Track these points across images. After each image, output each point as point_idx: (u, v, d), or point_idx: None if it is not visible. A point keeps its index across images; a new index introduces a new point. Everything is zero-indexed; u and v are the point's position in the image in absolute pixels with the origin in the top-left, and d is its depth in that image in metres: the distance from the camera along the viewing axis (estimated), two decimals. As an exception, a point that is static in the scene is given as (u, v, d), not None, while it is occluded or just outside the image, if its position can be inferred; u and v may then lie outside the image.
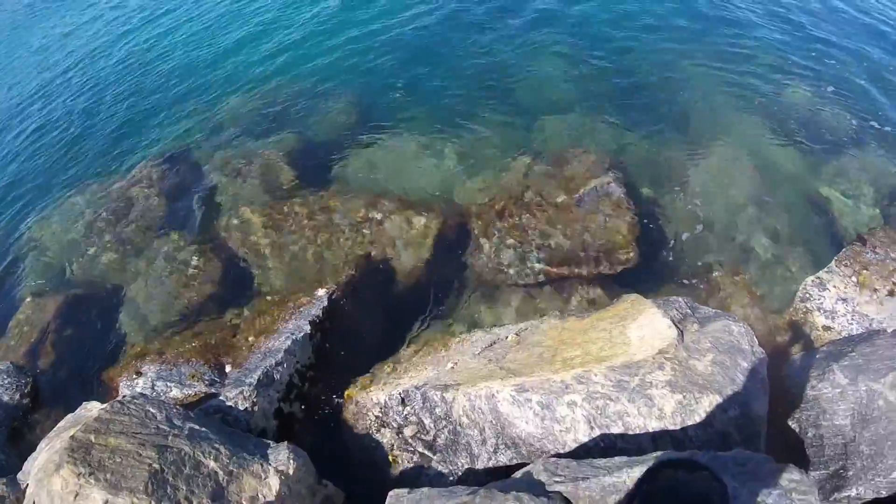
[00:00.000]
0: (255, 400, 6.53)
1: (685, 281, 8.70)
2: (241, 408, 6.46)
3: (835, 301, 7.78)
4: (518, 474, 5.03)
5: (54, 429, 6.04)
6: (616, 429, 5.46)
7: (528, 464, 5.26)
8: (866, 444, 5.76)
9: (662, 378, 5.56)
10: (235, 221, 9.97)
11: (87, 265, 10.13)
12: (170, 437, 5.27)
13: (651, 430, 5.40)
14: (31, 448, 6.04)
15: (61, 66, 17.53)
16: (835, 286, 7.89)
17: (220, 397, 6.56)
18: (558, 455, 5.47)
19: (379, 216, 9.47)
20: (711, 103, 11.90)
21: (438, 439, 6.22)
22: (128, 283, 9.60)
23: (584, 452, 5.47)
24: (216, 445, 5.35)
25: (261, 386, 6.66)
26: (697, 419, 5.38)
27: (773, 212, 9.55)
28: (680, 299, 6.69)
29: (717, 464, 4.58)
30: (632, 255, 8.72)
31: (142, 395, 6.01)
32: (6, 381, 8.15)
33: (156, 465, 4.90)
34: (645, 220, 9.35)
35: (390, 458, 6.41)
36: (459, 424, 6.06)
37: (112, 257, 10.09)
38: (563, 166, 10.14)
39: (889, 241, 8.42)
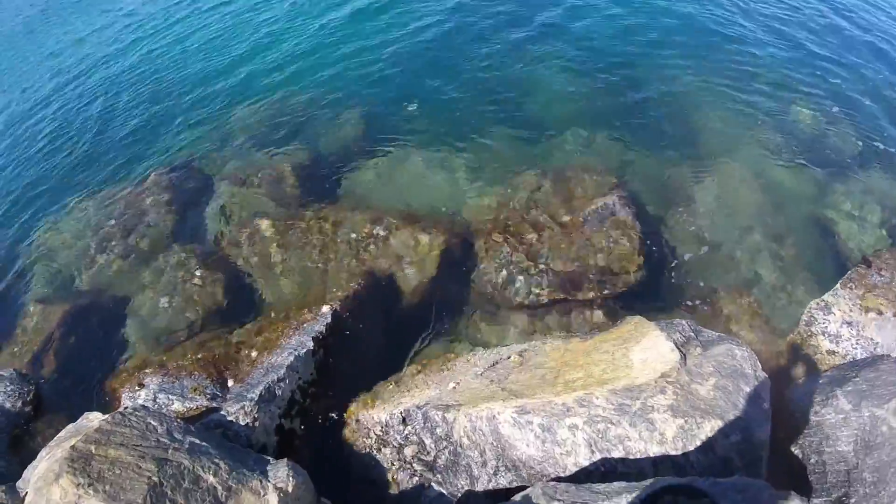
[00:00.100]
0: (256, 415, 6.52)
1: (689, 303, 8.68)
2: (242, 423, 6.45)
3: (840, 325, 7.73)
4: (517, 498, 5.01)
5: (55, 438, 6.03)
6: (617, 453, 5.43)
7: (528, 487, 5.25)
8: (869, 470, 5.72)
9: (664, 402, 5.53)
10: (241, 234, 9.98)
11: (93, 274, 10.13)
12: (170, 451, 5.26)
13: (652, 455, 5.37)
14: (32, 456, 6.03)
15: (73, 72, 17.60)
16: (840, 310, 7.84)
17: (222, 412, 6.55)
18: (558, 479, 5.45)
19: (384, 232, 9.46)
20: (716, 122, 11.90)
21: (439, 460, 6.21)
22: (133, 294, 9.59)
23: (584, 476, 5.44)
24: (216, 460, 5.34)
25: (262, 401, 6.65)
26: (699, 444, 5.34)
27: (778, 233, 9.52)
28: (683, 322, 6.66)
29: (717, 490, 4.56)
30: (636, 276, 8.71)
31: (143, 407, 6.00)
32: (9, 389, 8.12)
33: (155, 478, 4.88)
34: (649, 241, 9.33)
35: (390, 477, 6.41)
36: (460, 445, 6.04)
37: (118, 267, 10.10)
38: (569, 185, 10.13)
39: (895, 262, 8.37)
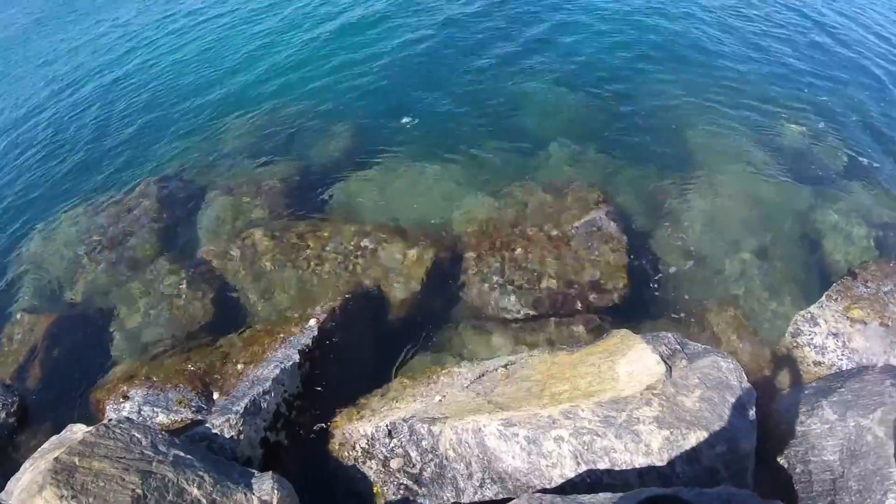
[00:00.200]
0: (241, 428, 6.48)
1: (675, 315, 8.68)
2: (227, 436, 6.41)
3: (825, 336, 7.76)
4: (503, 509, 5.02)
5: (39, 450, 5.97)
6: (603, 464, 5.43)
7: (514, 499, 5.24)
8: (855, 479, 5.75)
9: (650, 414, 5.55)
10: (229, 246, 9.95)
11: (80, 284, 10.09)
12: (154, 463, 5.24)
13: (638, 466, 5.38)
14: (15, 468, 5.94)
15: (66, 81, 17.69)
16: (825, 321, 7.88)
17: (207, 424, 6.50)
18: (544, 490, 5.45)
19: (372, 245, 9.46)
20: (703, 136, 11.98)
21: (424, 472, 6.19)
22: (119, 305, 9.54)
23: (570, 488, 5.44)
24: (200, 473, 5.31)
25: (248, 414, 6.61)
26: (685, 455, 5.36)
27: (763, 246, 9.56)
28: (669, 335, 6.69)
29: (703, 500, 4.57)
30: (623, 289, 8.73)
31: (128, 419, 5.97)
32: (-6, 400, 8.11)
33: (139, 491, 4.86)
34: (636, 254, 9.36)
35: (376, 490, 6.38)
36: (446, 458, 6.03)
37: (105, 278, 10.06)
38: (557, 198, 10.16)
39: (881, 274, 8.42)
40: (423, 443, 6.19)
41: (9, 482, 5.87)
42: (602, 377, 6.08)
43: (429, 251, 9.34)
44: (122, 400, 7.15)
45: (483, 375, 6.86)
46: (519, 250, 9.30)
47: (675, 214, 10.18)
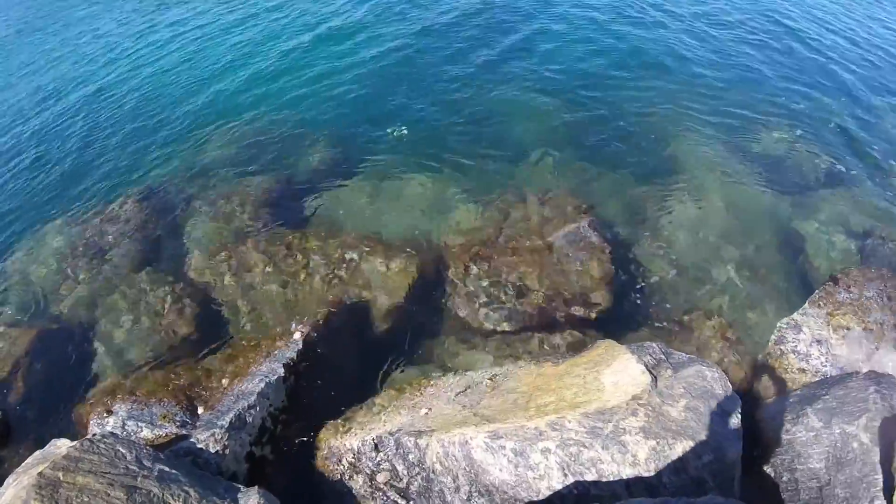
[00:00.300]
0: (226, 443, 6.45)
1: (659, 325, 8.71)
2: (212, 450, 6.37)
3: (809, 343, 7.81)
4: (491, 523, 5.00)
5: (22, 465, 5.90)
6: (590, 476, 5.42)
7: (501, 512, 5.25)
8: (841, 486, 5.78)
9: (636, 424, 5.55)
10: (210, 261, 9.92)
11: (62, 299, 10.00)
12: (139, 478, 5.18)
13: (625, 477, 5.37)
14: (-1, 482, 5.93)
15: (46, 93, 17.48)
16: (809, 328, 7.93)
17: (191, 439, 6.46)
18: (531, 503, 5.44)
19: (356, 257, 9.46)
20: (685, 146, 12.10)
21: (411, 486, 6.16)
22: (102, 319, 9.47)
23: (557, 500, 5.44)
24: (185, 488, 5.27)
25: (233, 429, 6.57)
26: (671, 465, 5.36)
27: (746, 254, 9.63)
28: (654, 344, 6.70)
29: (690, 511, 4.58)
30: (607, 299, 8.77)
31: (112, 434, 5.91)
32: (-24, 415, 8.03)
33: (124, 507, 4.82)
34: (620, 265, 9.40)
35: (362, 504, 6.37)
36: (433, 471, 6.01)
37: (87, 292, 9.98)
38: (540, 209, 10.21)
39: (863, 280, 8.48)
40: (410, 456, 6.16)
41: (-8, 497, 5.82)
42: (588, 388, 6.08)
43: (413, 263, 9.35)
44: (105, 415, 7.09)
45: (469, 387, 6.85)
46: (503, 261, 9.32)
47: (658, 223, 10.25)
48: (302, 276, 9.26)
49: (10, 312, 9.96)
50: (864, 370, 7.29)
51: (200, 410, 7.02)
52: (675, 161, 11.68)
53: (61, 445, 5.93)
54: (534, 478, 5.53)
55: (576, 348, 8.00)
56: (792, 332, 7.97)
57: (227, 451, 6.44)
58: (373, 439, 6.39)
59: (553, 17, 17.39)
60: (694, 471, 5.37)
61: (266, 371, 7.35)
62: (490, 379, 6.91)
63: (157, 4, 22.25)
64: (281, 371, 7.34)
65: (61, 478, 4.93)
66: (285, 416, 7.22)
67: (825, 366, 7.56)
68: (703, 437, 5.47)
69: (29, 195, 13.03)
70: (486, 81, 14.38)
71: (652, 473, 5.34)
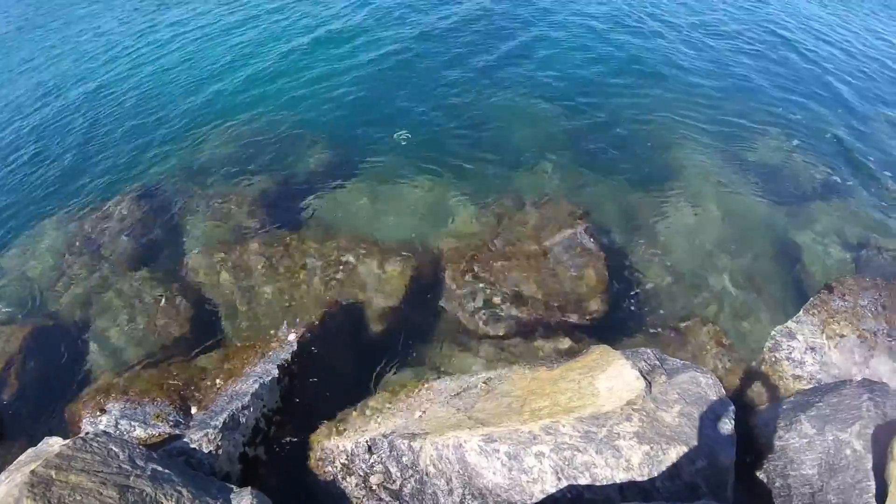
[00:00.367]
0: (219, 443, 6.43)
1: (654, 331, 8.72)
2: (206, 451, 6.36)
3: (803, 350, 7.83)
4: (484, 526, 5.00)
5: (14, 462, 5.87)
6: (583, 480, 5.43)
7: (495, 515, 5.25)
8: (834, 493, 5.79)
9: (630, 429, 5.56)
10: (206, 261, 9.90)
11: (56, 297, 9.99)
12: (132, 478, 5.17)
13: (618, 482, 5.38)
14: (-9, 480, 5.91)
15: (45, 90, 17.43)
16: (803, 335, 7.95)
17: (185, 439, 6.44)
18: (525, 506, 5.45)
19: (351, 260, 9.45)
20: (679, 152, 12.14)
21: (405, 489, 6.16)
22: (96, 318, 9.46)
23: (551, 503, 5.44)
24: (178, 488, 5.25)
25: (226, 429, 6.56)
26: (665, 470, 5.36)
27: (741, 262, 9.65)
28: (648, 350, 6.72)
29: (684, 516, 4.60)
30: (602, 305, 8.77)
31: (105, 432, 5.90)
32: (-32, 412, 8.01)
33: (116, 506, 4.81)
34: (615, 270, 9.39)
35: (355, 506, 6.37)
36: (426, 474, 6.01)
37: (82, 290, 9.96)
38: (536, 214, 10.23)
39: (858, 288, 8.50)
40: (404, 459, 6.16)
41: (-16, 495, 5.80)
42: (582, 393, 6.09)
43: (409, 266, 9.34)
44: (99, 413, 7.07)
45: (463, 391, 6.85)
46: (498, 265, 9.32)
47: (654, 230, 10.27)
48: (298, 278, 9.25)
49: (4, 309, 9.93)
50: (858, 378, 7.30)
51: (194, 410, 7.01)
52: (671, 169, 11.72)
53: (54, 443, 5.90)
54: (527, 481, 5.54)
55: (570, 353, 7.98)
56: (786, 339, 7.99)
57: (220, 452, 6.42)
58: (366, 441, 6.38)
59: (552, 25, 17.44)
60: (687, 476, 5.38)
61: (260, 372, 7.33)
62: (484, 382, 6.91)
63: (158, 4, 22.24)
64: (275, 372, 7.32)
65: (54, 476, 4.90)
66: (279, 417, 7.20)
67: (819, 373, 7.58)
68: (696, 442, 5.48)
69: (26, 191, 13.00)
70: (484, 87, 14.40)
71: (646, 478, 5.35)
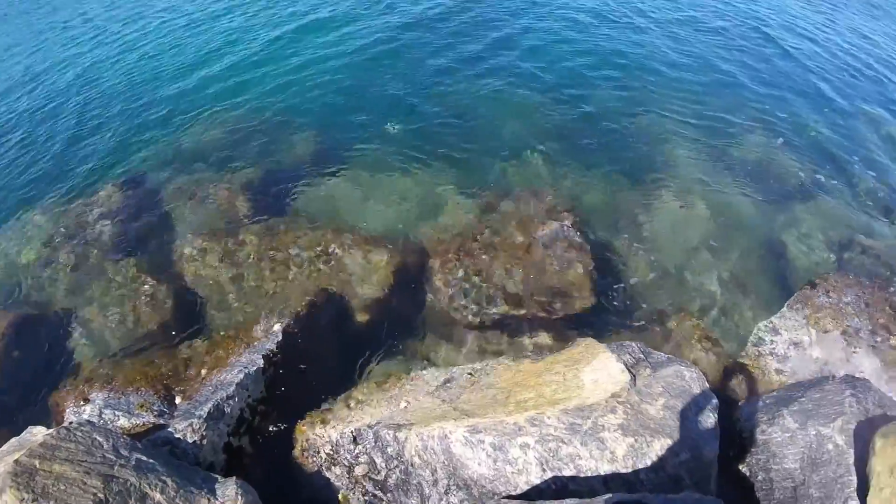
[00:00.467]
0: (204, 433, 6.42)
1: (639, 325, 8.75)
2: (190, 440, 6.34)
3: (787, 346, 7.90)
4: (469, 516, 5.01)
5: (-3, 451, 5.88)
6: (568, 471, 5.45)
7: (480, 505, 5.26)
8: (816, 487, 5.85)
9: (615, 421, 5.58)
10: (192, 250, 9.84)
11: (39, 286, 9.90)
12: (116, 467, 5.15)
13: (603, 473, 5.41)
14: (-28, 471, 5.86)
15: (29, 76, 17.29)
16: (786, 331, 8.02)
17: (169, 429, 6.43)
18: (510, 497, 5.45)
19: (337, 250, 9.42)
20: (666, 150, 12.18)
21: (390, 479, 6.17)
22: (80, 307, 9.38)
23: (536, 494, 5.45)
24: (163, 478, 5.24)
25: (211, 419, 6.54)
26: (649, 462, 5.40)
27: (726, 258, 9.70)
28: (633, 344, 6.76)
29: (668, 506, 4.62)
30: (587, 298, 8.78)
31: (89, 422, 5.86)
32: (-50, 402, 7.95)
33: (101, 495, 4.78)
34: (600, 264, 9.42)
35: (340, 496, 6.35)
36: (411, 465, 6.02)
37: (65, 279, 9.88)
38: (521, 207, 10.24)
39: (842, 286, 8.59)
40: (389, 449, 6.17)
41: (-34, 485, 5.76)
42: (567, 385, 6.11)
43: (395, 256, 9.33)
44: (82, 403, 7.04)
45: (448, 382, 6.87)
46: (485, 257, 9.33)
47: (640, 225, 10.30)
48: (283, 268, 9.21)
49: (-13, 297, 9.87)
50: (841, 374, 7.36)
51: (178, 400, 6.99)
52: (657, 163, 11.75)
53: (37, 433, 5.87)
54: (512, 472, 5.55)
55: (556, 346, 8.03)
56: (770, 334, 8.06)
57: (204, 442, 6.41)
58: (351, 432, 6.39)
59: (539, 17, 17.50)
60: (671, 468, 5.41)
61: (245, 362, 7.32)
62: (470, 374, 6.93)
63: (145, -10, 22.13)
64: (260, 362, 7.31)
65: (38, 465, 4.88)
66: (264, 407, 7.19)
67: (802, 368, 7.64)
68: (680, 435, 5.52)
69: (10, 179, 12.89)
70: (471, 77, 14.41)
71: (630, 470, 5.38)
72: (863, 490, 5.36)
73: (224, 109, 14.07)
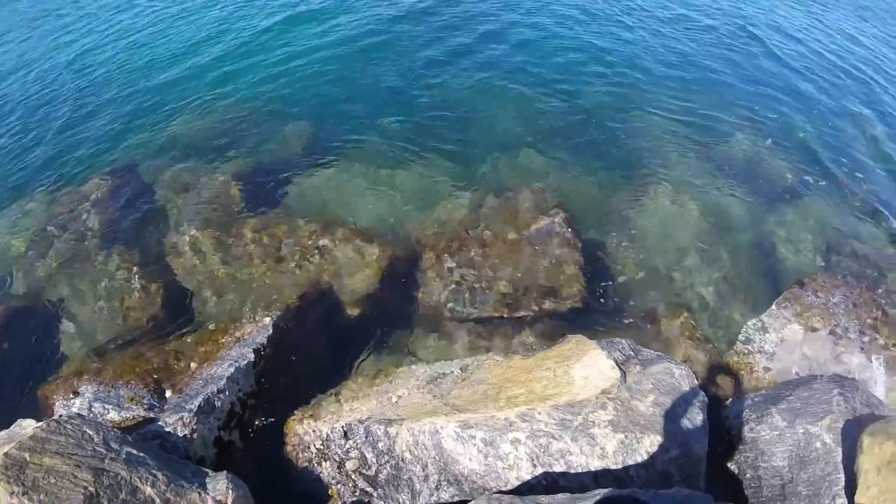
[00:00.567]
0: (194, 427, 6.40)
1: (629, 322, 8.79)
2: (180, 434, 6.33)
3: (775, 344, 7.95)
4: (461, 511, 5.03)
5: (-14, 444, 5.85)
6: (559, 467, 5.48)
7: (470, 500, 5.27)
8: (804, 485, 5.90)
9: (605, 418, 5.61)
10: (182, 243, 9.81)
11: (28, 278, 9.83)
12: (106, 461, 5.14)
13: (593, 469, 5.44)
14: (-39, 464, 5.83)
15: (17, 64, 17.11)
16: (775, 329, 8.07)
17: (159, 423, 6.41)
18: (501, 492, 5.47)
19: (328, 244, 9.41)
20: (657, 149, 12.23)
21: (380, 474, 6.17)
22: (69, 299, 9.34)
23: (526, 489, 5.48)
24: (154, 471, 5.24)
25: (201, 413, 6.52)
26: (639, 459, 5.43)
27: (716, 256, 9.75)
28: (623, 341, 6.79)
29: (659, 501, 4.64)
30: (577, 295, 8.80)
31: (79, 415, 5.85)
32: (-62, 395, 7.90)
33: (91, 489, 4.76)
34: (591, 261, 9.45)
35: (331, 492, 6.36)
36: (402, 460, 6.02)
37: (54, 271, 9.81)
38: (512, 203, 10.26)
39: (830, 285, 8.65)
40: (380, 444, 6.17)
41: (-44, 477, 5.73)
42: (558, 381, 6.13)
43: (385, 251, 9.33)
44: (72, 396, 7.00)
45: (439, 377, 6.87)
46: (475, 253, 9.34)
47: (629, 222, 10.34)
48: (273, 261, 9.19)
49: (-27, 291, 9.81)
50: (829, 373, 7.42)
51: (168, 394, 6.97)
52: (647, 161, 11.78)
53: (27, 426, 5.84)
54: (503, 468, 5.57)
55: (546, 342, 8.04)
56: (759, 332, 8.11)
57: (195, 436, 6.40)
58: (342, 426, 6.38)
59: (530, 12, 17.49)
60: (661, 465, 5.44)
61: (236, 355, 7.29)
62: (461, 369, 6.94)
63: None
64: (251, 356, 7.28)
65: (28, 458, 4.86)
66: (254, 401, 7.18)
67: (790, 366, 7.70)
68: (670, 431, 5.55)
69: (-2, 171, 12.82)
70: (462, 70, 14.43)
71: (620, 466, 5.41)
72: (850, 488, 5.39)
73: (214, 99, 14.02)
